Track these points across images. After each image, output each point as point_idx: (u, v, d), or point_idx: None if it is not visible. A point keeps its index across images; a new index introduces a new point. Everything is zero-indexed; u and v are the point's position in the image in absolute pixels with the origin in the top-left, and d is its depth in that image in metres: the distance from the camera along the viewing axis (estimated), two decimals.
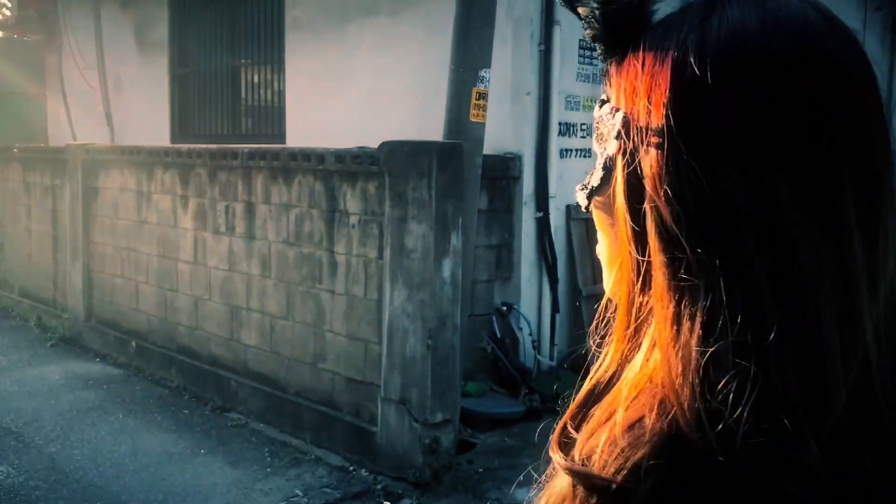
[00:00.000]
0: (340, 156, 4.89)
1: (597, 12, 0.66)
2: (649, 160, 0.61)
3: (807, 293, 0.56)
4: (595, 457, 0.59)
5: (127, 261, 7.01)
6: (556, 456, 0.63)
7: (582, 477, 0.59)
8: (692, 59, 0.59)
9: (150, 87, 9.25)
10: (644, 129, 0.62)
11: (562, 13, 5.94)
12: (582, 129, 6.32)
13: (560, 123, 6.09)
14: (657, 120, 0.60)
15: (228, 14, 8.36)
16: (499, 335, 5.85)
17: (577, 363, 6.20)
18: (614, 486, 0.57)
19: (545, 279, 6.16)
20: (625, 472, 0.57)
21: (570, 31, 6.05)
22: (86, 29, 10.11)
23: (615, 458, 0.58)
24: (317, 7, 7.37)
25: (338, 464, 4.85)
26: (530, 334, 5.95)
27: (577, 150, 6.30)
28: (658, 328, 0.61)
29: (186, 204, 6.20)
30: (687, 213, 0.59)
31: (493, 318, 5.89)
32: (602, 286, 0.75)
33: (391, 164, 4.52)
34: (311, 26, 7.44)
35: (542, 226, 6.06)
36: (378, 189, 4.72)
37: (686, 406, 0.57)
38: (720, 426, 0.56)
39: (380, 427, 4.71)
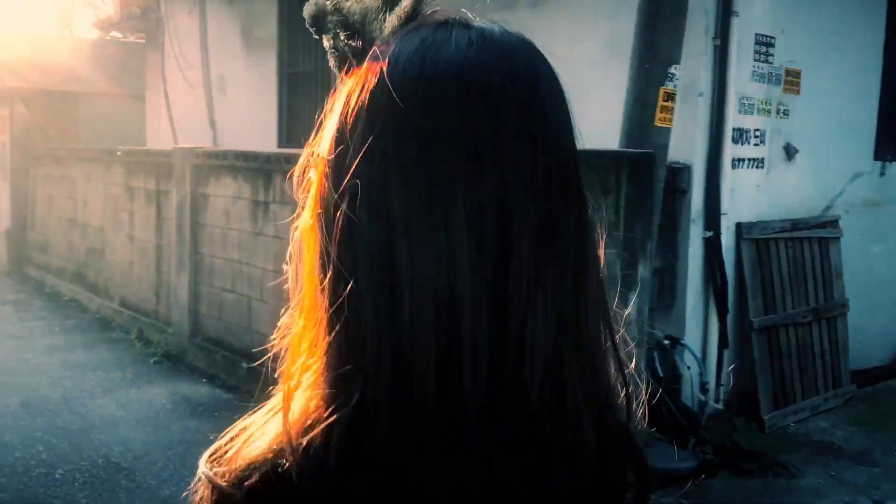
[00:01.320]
0: None
1: (339, 45, 0.70)
2: (316, 181, 0.65)
3: (406, 313, 0.59)
4: (224, 465, 0.64)
5: (239, 275, 6.47)
6: (202, 463, 0.66)
7: (208, 480, 0.64)
8: (356, 91, 0.64)
9: (256, 88, 8.75)
10: (318, 154, 0.66)
11: (742, 2, 5.15)
12: (756, 136, 5.50)
13: (733, 129, 5.30)
14: (326, 145, 0.65)
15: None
16: (661, 374, 5.08)
17: (748, 407, 5.39)
18: (220, 488, 0.62)
19: (712, 309, 5.36)
20: (232, 478, 0.62)
21: (749, 23, 5.25)
22: (189, 26, 9.71)
23: (231, 466, 0.63)
24: (443, 2, 6.71)
25: None
26: (700, 374, 5.16)
27: (749, 159, 5.49)
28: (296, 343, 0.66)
29: None
30: (328, 234, 0.63)
31: (655, 353, 5.12)
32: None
33: None
34: None
35: (712, 247, 5.26)
36: None
37: (287, 424, 0.61)
38: (302, 448, 0.60)
39: None
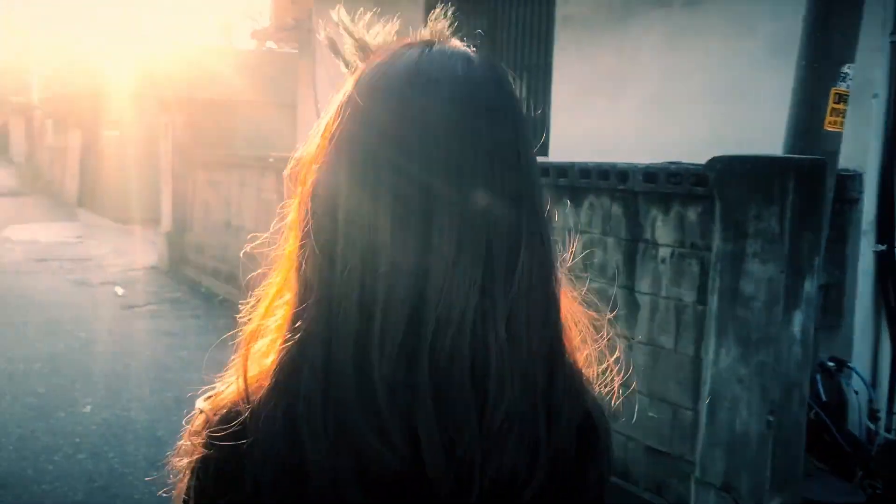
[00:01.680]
0: (651, 174, 3.98)
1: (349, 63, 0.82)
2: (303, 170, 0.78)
3: (338, 272, 0.70)
4: (213, 398, 0.78)
5: None
6: (199, 399, 0.79)
7: (199, 410, 0.78)
8: (338, 96, 0.77)
9: None
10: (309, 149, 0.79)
11: None
12: None
13: None
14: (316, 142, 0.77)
15: (487, 13, 7.71)
16: (824, 398, 4.69)
17: None
18: (206, 414, 0.76)
19: (884, 329, 4.91)
20: (210, 406, 0.76)
21: None
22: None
23: (217, 397, 0.77)
24: (594, 1, 6.52)
25: None
26: (869, 400, 4.73)
27: None
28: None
29: None
30: (299, 211, 0.76)
31: (818, 376, 4.73)
32: None
33: (725, 185, 3.55)
34: (585, 24, 6.60)
35: (884, 261, 4.81)
36: (702, 216, 3.77)
37: (245, 354, 0.75)
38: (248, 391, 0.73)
39: None
